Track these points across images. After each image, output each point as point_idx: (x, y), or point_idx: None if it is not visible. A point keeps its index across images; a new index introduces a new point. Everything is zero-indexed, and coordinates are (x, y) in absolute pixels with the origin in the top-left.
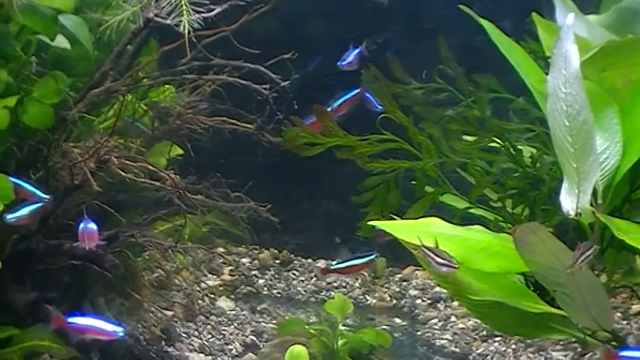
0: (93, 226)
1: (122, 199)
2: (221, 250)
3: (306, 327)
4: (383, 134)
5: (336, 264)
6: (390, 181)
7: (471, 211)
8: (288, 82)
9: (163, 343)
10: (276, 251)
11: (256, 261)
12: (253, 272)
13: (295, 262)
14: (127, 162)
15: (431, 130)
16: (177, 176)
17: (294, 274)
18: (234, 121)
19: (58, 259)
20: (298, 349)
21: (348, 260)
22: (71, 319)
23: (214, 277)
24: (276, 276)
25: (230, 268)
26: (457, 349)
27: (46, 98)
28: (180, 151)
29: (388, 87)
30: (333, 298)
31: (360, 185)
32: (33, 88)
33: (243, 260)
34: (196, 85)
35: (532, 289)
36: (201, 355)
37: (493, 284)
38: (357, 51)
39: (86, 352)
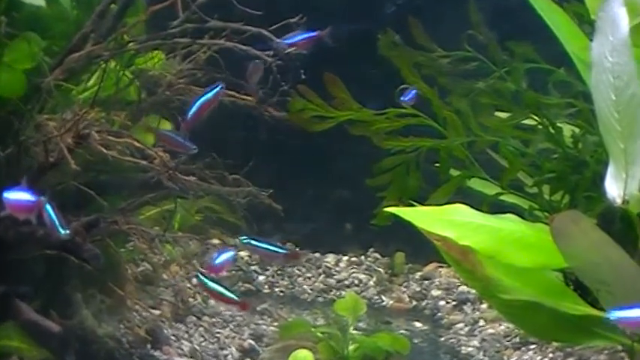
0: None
1: (104, 181)
2: (216, 241)
3: (313, 329)
4: (403, 108)
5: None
6: (410, 162)
7: (502, 197)
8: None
9: (149, 346)
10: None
11: (256, 254)
12: (253, 267)
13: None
14: (110, 137)
15: (458, 105)
16: (167, 154)
17: (299, 270)
18: (232, 93)
19: (31, 248)
20: (303, 353)
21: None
22: None
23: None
24: (279, 272)
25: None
26: (486, 358)
27: (18, 63)
28: (171, 127)
29: (409, 54)
30: (343, 297)
31: (376, 167)
32: (3, 52)
33: (241, 253)
34: (189, 50)
35: (572, 287)
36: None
37: (527, 281)
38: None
39: (60, 353)
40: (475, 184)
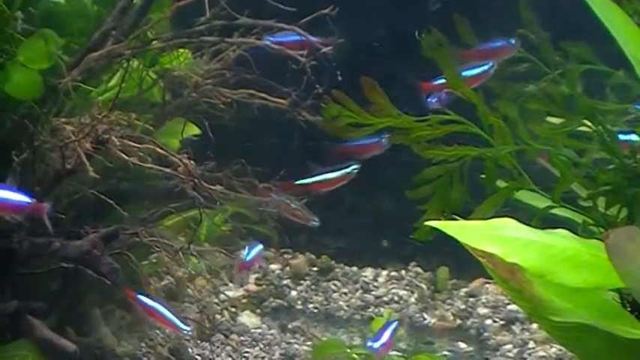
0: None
1: (125, 189)
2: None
3: (348, 351)
4: (446, 114)
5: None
6: (454, 172)
7: (554, 211)
8: (330, 47)
9: None
10: (313, 256)
11: (288, 268)
12: (285, 282)
13: (337, 269)
14: (131, 143)
15: (506, 110)
16: (192, 162)
17: (334, 284)
18: (263, 95)
19: (46, 262)
20: None
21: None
22: None
23: (236, 286)
24: (313, 287)
25: (256, 275)
26: None
27: (34, 63)
28: (197, 131)
29: (455, 55)
30: (381, 315)
31: (417, 177)
32: (18, 51)
33: (273, 267)
34: (217, 49)
35: (629, 309)
36: None
37: (580, 302)
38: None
39: None
40: (524, 196)
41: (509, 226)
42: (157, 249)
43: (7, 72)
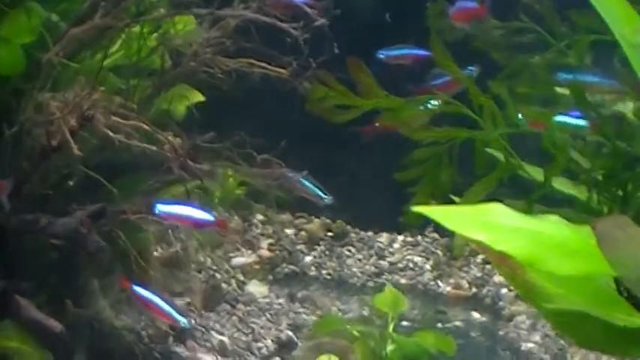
0: None
1: (117, 162)
2: (259, 217)
3: (348, 327)
4: (434, 94)
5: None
6: (443, 154)
7: (559, 187)
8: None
9: (171, 340)
10: (328, 221)
11: (303, 232)
12: (298, 247)
13: (352, 234)
14: (117, 119)
15: (498, 90)
16: (178, 139)
17: (349, 250)
18: (263, 64)
19: (34, 238)
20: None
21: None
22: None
23: (249, 251)
24: (327, 252)
25: (269, 241)
26: (547, 357)
27: (17, 37)
28: (202, 98)
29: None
30: (383, 291)
31: (407, 159)
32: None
33: (287, 231)
34: (217, 17)
35: (625, 295)
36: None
37: (574, 289)
38: None
39: (67, 353)
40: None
41: (497, 211)
42: (145, 226)
43: None
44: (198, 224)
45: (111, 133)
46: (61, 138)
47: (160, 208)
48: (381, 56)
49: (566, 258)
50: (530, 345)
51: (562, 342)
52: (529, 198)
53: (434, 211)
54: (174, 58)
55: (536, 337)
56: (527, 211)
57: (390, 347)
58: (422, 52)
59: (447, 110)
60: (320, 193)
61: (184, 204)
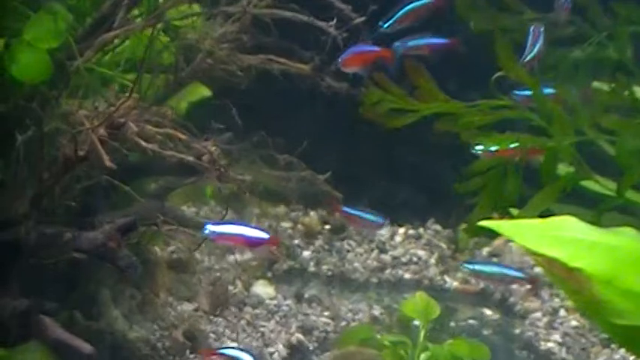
0: None
1: (132, 163)
2: (256, 210)
3: (379, 337)
4: (499, 99)
5: None
6: (508, 163)
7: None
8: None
9: (187, 351)
10: (325, 213)
11: (300, 226)
12: (296, 241)
13: (350, 227)
14: (150, 127)
15: (565, 95)
16: (217, 148)
17: (349, 244)
18: (283, 60)
19: (56, 253)
20: None
21: None
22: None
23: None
24: (326, 246)
25: None
26: (570, 357)
27: (42, 42)
28: (208, 93)
29: (493, 19)
30: (412, 297)
31: (467, 169)
32: (24, 28)
33: (284, 224)
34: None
35: None
36: None
37: None
38: None
39: None
40: (590, 184)
41: (570, 225)
42: (176, 239)
43: (13, 52)
44: (252, 243)
45: (144, 143)
46: (89, 148)
47: (211, 228)
48: (399, 49)
49: None
50: (550, 344)
51: (583, 340)
52: (598, 209)
53: (502, 226)
54: (187, 55)
55: (556, 336)
56: (596, 223)
57: (422, 356)
58: (438, 40)
59: (511, 116)
60: (375, 217)
61: (235, 223)
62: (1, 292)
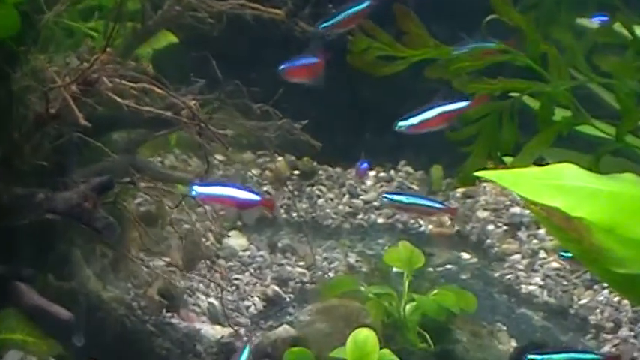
0: None
1: (102, 117)
2: (218, 157)
3: (363, 288)
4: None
5: None
6: (503, 110)
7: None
8: None
9: (164, 310)
10: (293, 159)
11: (268, 172)
12: (264, 188)
13: (320, 172)
14: (125, 82)
15: (561, 37)
16: (195, 103)
17: (319, 189)
18: (255, 5)
19: (29, 215)
20: (365, 333)
21: None
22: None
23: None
24: (296, 193)
25: None
26: (552, 299)
27: None
28: (174, 39)
29: None
30: (396, 245)
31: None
32: None
33: (252, 172)
34: None
35: None
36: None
37: None
38: None
39: (66, 336)
40: (586, 128)
41: (570, 173)
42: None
43: None
44: (244, 205)
45: (119, 99)
46: (60, 105)
47: (198, 190)
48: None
49: None
50: (531, 287)
51: (565, 282)
52: (596, 154)
53: (500, 176)
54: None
55: (536, 278)
56: (594, 168)
57: (408, 308)
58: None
59: (503, 60)
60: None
61: (224, 184)
62: None
